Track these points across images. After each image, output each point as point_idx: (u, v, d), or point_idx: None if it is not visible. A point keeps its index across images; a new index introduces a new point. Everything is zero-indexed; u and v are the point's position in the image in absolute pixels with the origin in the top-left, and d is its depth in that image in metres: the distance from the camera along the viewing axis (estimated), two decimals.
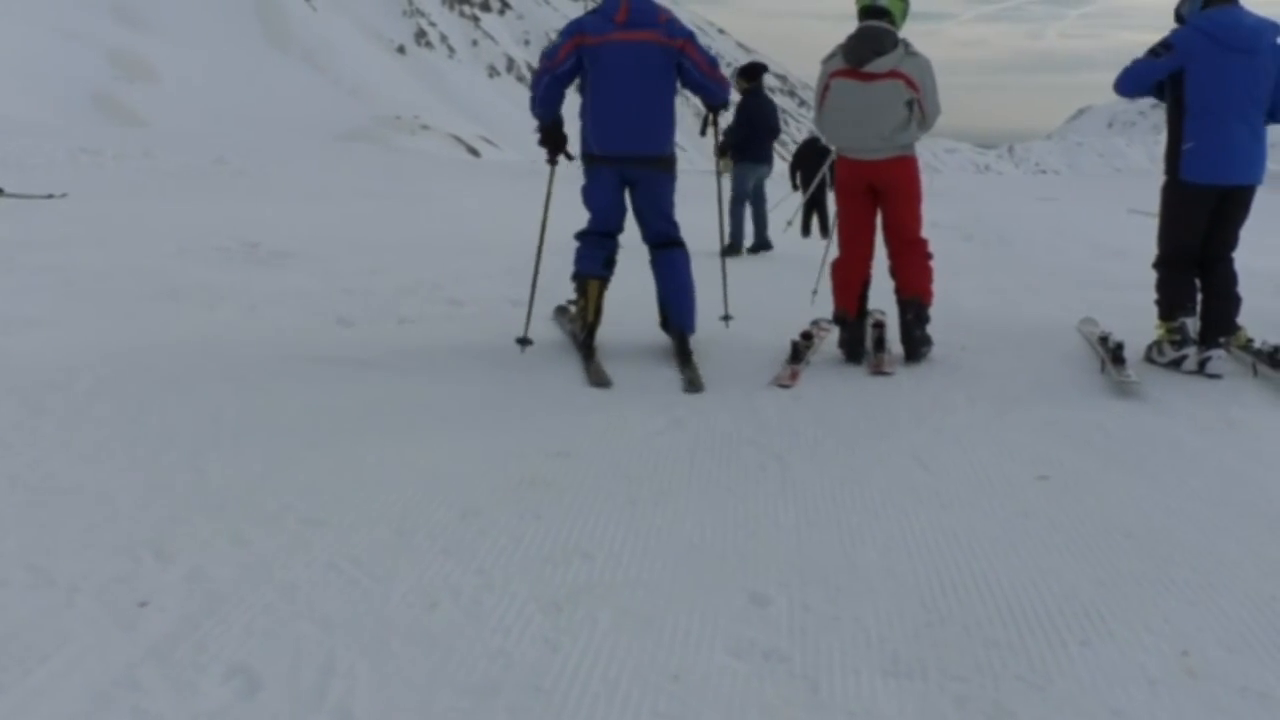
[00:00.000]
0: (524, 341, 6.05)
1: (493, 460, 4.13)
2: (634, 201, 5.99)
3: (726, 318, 6.57)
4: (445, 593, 3.05)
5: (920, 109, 5.72)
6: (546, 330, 6.61)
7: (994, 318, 7.19)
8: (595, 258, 6.05)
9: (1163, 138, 6.00)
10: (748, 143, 11.18)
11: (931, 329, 5.97)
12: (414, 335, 6.38)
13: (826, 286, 6.26)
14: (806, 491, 3.90)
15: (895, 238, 5.97)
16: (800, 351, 5.80)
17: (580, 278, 6.06)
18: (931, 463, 4.22)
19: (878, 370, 5.69)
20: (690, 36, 5.77)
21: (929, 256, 5.98)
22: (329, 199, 14.72)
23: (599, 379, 5.46)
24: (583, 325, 6.01)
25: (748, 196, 11.27)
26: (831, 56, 5.87)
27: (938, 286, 6.05)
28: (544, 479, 3.95)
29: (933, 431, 4.64)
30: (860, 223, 5.98)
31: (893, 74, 5.65)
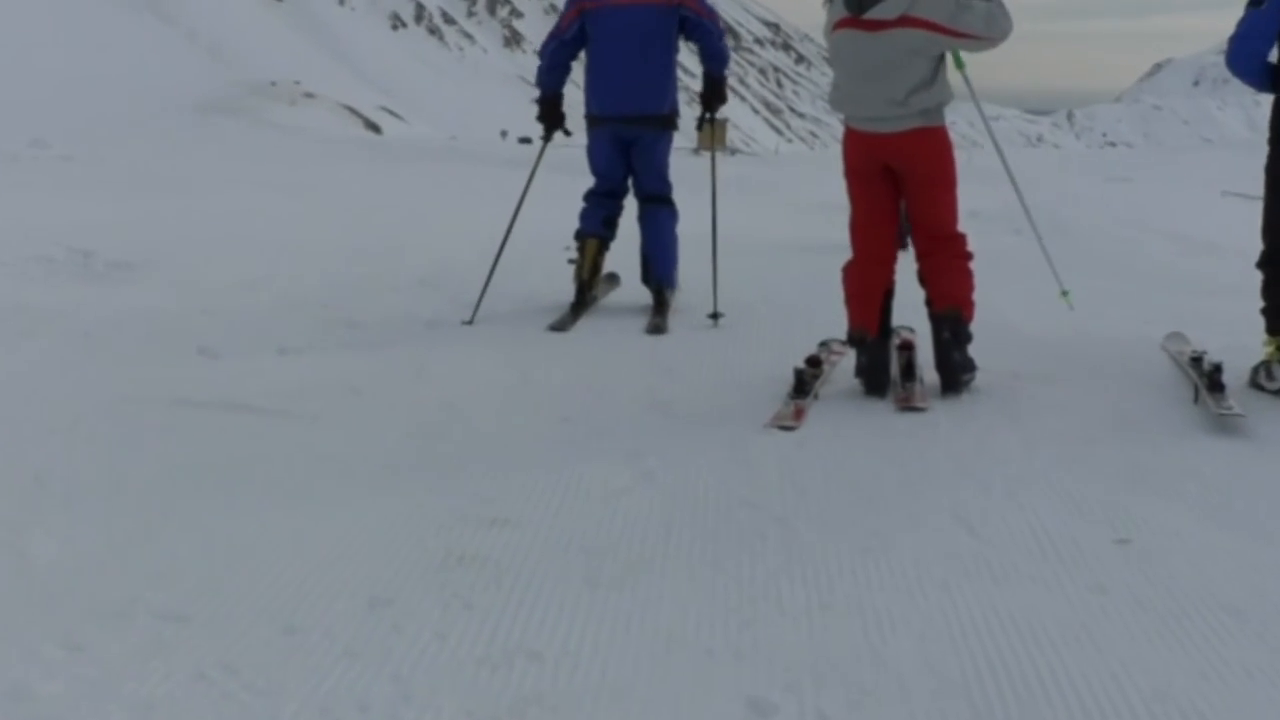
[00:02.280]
0: (468, 323, 7.45)
1: (409, 532, 4.12)
2: (631, 158, 7.76)
3: (715, 315, 7.59)
4: (350, 708, 3.04)
5: (966, 39, 5.69)
6: (475, 348, 6.65)
7: (1054, 335, 7.25)
8: (595, 217, 7.86)
9: (1265, 99, 6.09)
10: None
11: (974, 350, 6.02)
12: (300, 368, 6.36)
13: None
14: (818, 565, 3.92)
15: (923, 234, 6.03)
16: (806, 382, 5.84)
17: (580, 235, 7.87)
18: (979, 525, 4.25)
19: (907, 405, 5.73)
20: None
21: (967, 257, 6.03)
22: (184, 191, 14.65)
23: (559, 323, 7.39)
24: (576, 280, 7.76)
25: None
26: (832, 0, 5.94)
27: (981, 295, 6.10)
28: (476, 555, 3.94)
29: (980, 484, 4.68)
30: (877, 215, 6.04)
31: (904, 20, 5.68)
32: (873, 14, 5.72)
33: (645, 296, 7.92)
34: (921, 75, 5.76)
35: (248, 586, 3.69)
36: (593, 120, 7.75)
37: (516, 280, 8.24)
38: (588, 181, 8.05)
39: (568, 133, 7.88)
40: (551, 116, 7.85)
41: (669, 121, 7.80)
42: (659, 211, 7.89)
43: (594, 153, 7.85)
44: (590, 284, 7.87)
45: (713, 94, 7.88)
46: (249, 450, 5.01)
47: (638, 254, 8.03)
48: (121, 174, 16.35)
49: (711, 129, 8.26)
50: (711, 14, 7.67)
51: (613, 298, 8.32)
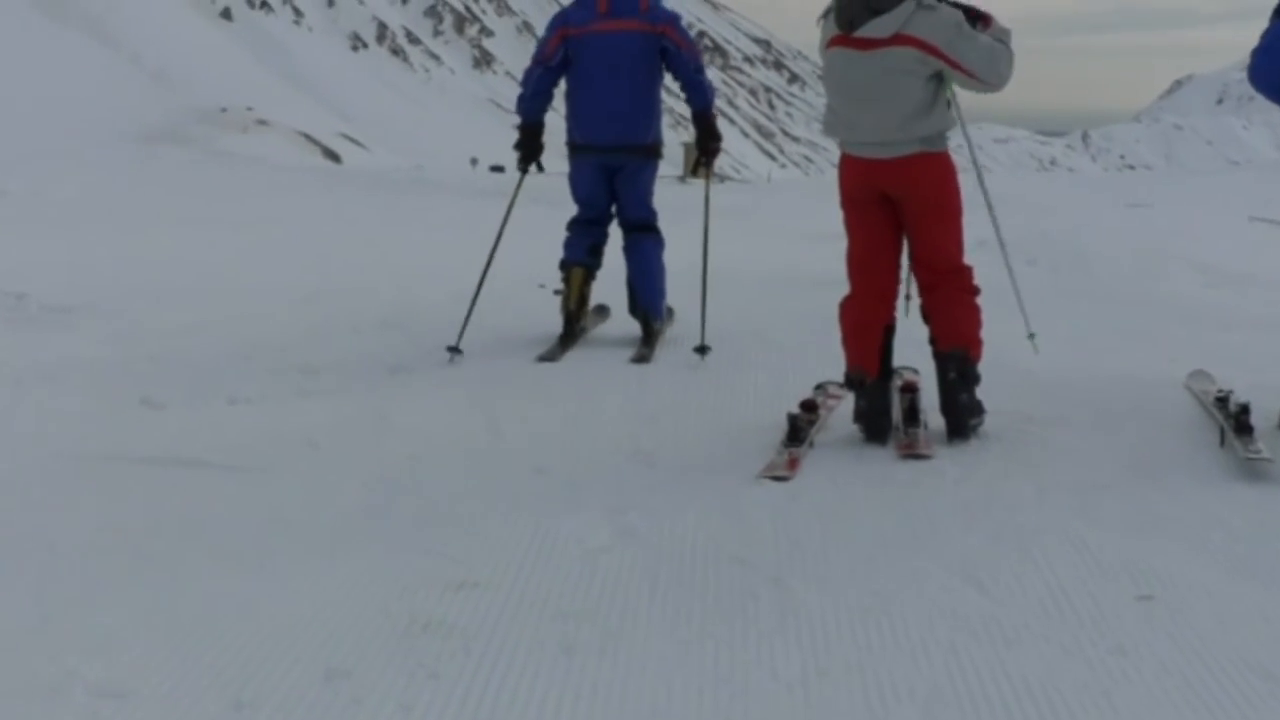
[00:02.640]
0: (454, 350, 7.71)
1: (369, 596, 4.11)
2: (615, 186, 8.14)
3: (703, 349, 7.77)
4: None
5: (961, 72, 5.73)
6: (441, 395, 6.65)
7: (1069, 375, 7.27)
8: (580, 245, 8.21)
9: None
10: None
11: (983, 392, 6.03)
12: (252, 420, 6.36)
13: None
14: (815, 628, 3.91)
15: (925, 267, 6.05)
16: (801, 429, 5.83)
17: (564, 265, 8.19)
18: (989, 581, 4.25)
19: (910, 452, 5.73)
20: (674, 22, 7.98)
21: (974, 291, 6.06)
22: (127, 228, 14.65)
23: (548, 354, 7.75)
24: (564, 312, 8.06)
25: None
26: (826, 14, 5.96)
27: (990, 332, 6.12)
28: (443, 622, 3.93)
29: (989, 537, 4.68)
30: (876, 247, 6.05)
31: (898, 39, 5.69)
32: (864, 32, 5.74)
33: (635, 328, 8.13)
34: (918, 99, 5.78)
35: (193, 659, 3.67)
36: (574, 148, 8.16)
37: (488, 320, 8.25)
38: (566, 213, 8.24)
39: (541, 168, 8.20)
40: (530, 146, 8.14)
41: (653, 150, 8.18)
42: (644, 240, 8.25)
43: (576, 180, 8.23)
44: (578, 315, 8.15)
45: (706, 134, 8.23)
46: (196, 510, 4.99)
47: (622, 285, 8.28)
48: (58, 210, 16.33)
49: (707, 171, 8.59)
50: (691, 46, 8.07)
51: (602, 330, 8.49)
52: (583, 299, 8.20)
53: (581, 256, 8.20)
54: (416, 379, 7.24)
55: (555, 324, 8.05)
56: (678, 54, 7.90)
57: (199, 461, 5.59)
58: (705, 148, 8.34)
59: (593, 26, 7.87)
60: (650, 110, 8.06)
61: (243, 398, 6.76)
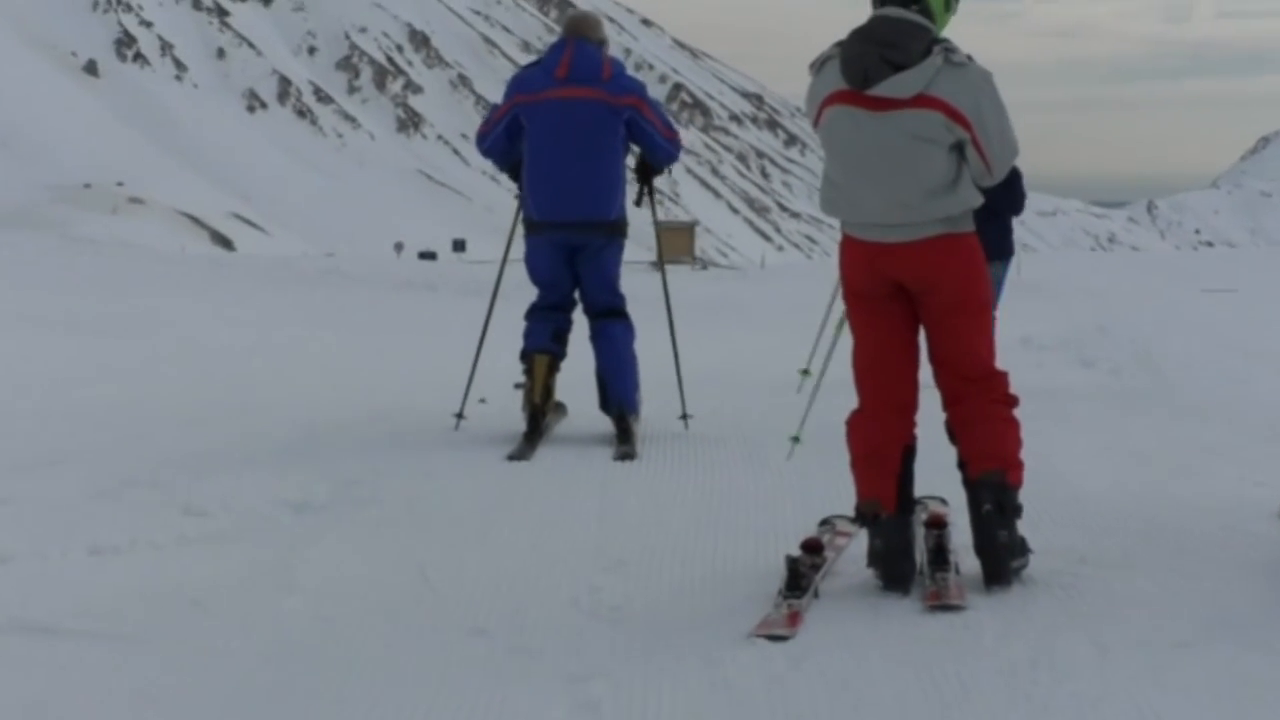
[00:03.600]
0: (459, 416, 9.11)
1: None
2: (577, 268, 8.95)
3: (685, 417, 9.02)
4: None
5: (979, 154, 5.86)
6: (358, 538, 6.64)
7: (1133, 504, 7.30)
8: (542, 331, 8.92)
9: None
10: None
11: (1026, 527, 6.04)
12: (120, 574, 6.32)
13: None
14: None
15: (950, 374, 6.07)
16: (803, 575, 5.83)
17: (526, 354, 8.87)
18: None
19: (938, 603, 5.73)
20: (641, 93, 8.94)
21: (1011, 402, 6.08)
22: None
23: (518, 452, 8.40)
24: (528, 406, 8.69)
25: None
26: (824, 62, 6.00)
27: (1036, 451, 6.14)
28: None
29: (1039, 708, 4.68)
30: (889, 350, 6.08)
31: (921, 100, 5.75)
32: (880, 90, 5.77)
33: (603, 425, 8.59)
34: (941, 172, 5.84)
35: None
36: (531, 225, 8.96)
37: (416, 447, 8.28)
38: (520, 306, 8.70)
39: None
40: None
41: (616, 228, 9.03)
42: (613, 326, 9.05)
43: (534, 262, 9.04)
44: (543, 408, 8.77)
45: (651, 169, 9.40)
46: (48, 688, 4.95)
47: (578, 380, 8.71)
48: None
49: (652, 200, 9.45)
50: (670, 131, 9.08)
51: (569, 426, 9.02)
52: (548, 390, 8.82)
53: (545, 343, 8.88)
54: (327, 520, 7.21)
55: (507, 425, 8.47)
56: (648, 130, 8.87)
57: (52, 628, 5.54)
58: (646, 176, 9.39)
59: (547, 93, 8.71)
60: (612, 184, 8.88)
61: (109, 546, 6.71)
